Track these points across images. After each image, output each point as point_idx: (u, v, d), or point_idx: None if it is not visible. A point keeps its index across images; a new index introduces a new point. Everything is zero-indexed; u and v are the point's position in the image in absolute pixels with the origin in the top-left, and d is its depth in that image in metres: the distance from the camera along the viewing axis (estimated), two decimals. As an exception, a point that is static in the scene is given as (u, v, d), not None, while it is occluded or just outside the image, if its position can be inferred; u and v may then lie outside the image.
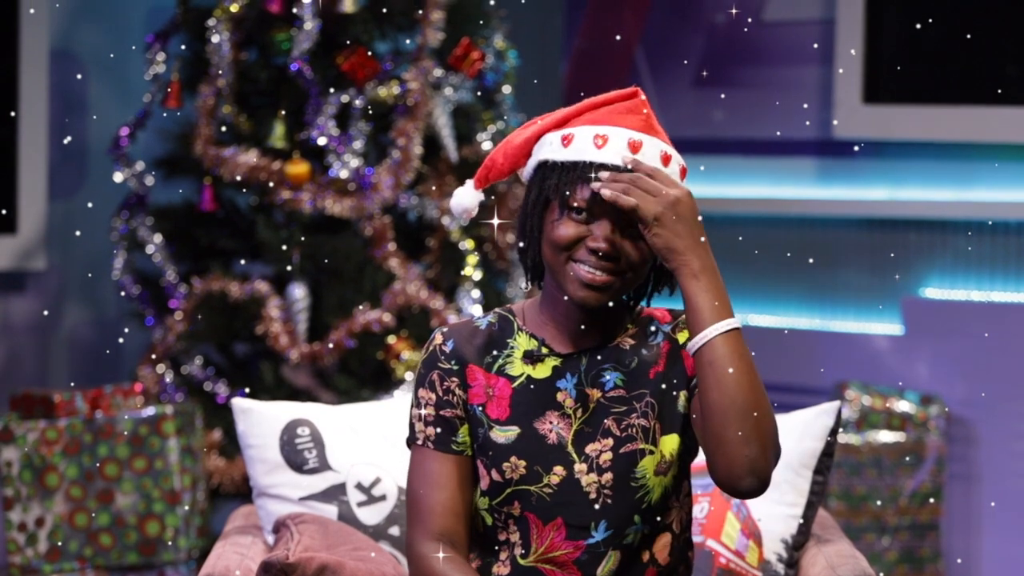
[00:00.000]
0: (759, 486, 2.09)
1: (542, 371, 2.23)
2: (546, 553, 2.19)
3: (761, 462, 2.08)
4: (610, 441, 2.19)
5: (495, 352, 2.25)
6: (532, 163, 2.21)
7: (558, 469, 2.19)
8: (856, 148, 5.04)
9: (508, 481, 2.19)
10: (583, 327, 2.22)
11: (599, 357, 2.22)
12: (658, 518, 2.21)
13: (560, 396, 2.22)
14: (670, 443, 2.20)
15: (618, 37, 5.46)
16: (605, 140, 2.14)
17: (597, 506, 2.18)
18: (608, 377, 2.21)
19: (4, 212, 4.62)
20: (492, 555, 2.24)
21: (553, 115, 2.22)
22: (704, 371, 2.09)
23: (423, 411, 2.24)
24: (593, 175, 2.12)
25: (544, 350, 2.23)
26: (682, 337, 2.23)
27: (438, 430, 2.23)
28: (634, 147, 2.13)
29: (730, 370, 2.07)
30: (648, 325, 2.26)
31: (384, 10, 4.23)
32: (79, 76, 4.89)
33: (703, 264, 2.10)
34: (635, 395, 2.21)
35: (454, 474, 2.22)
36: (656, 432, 2.19)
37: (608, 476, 2.17)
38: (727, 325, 2.09)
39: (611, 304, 2.19)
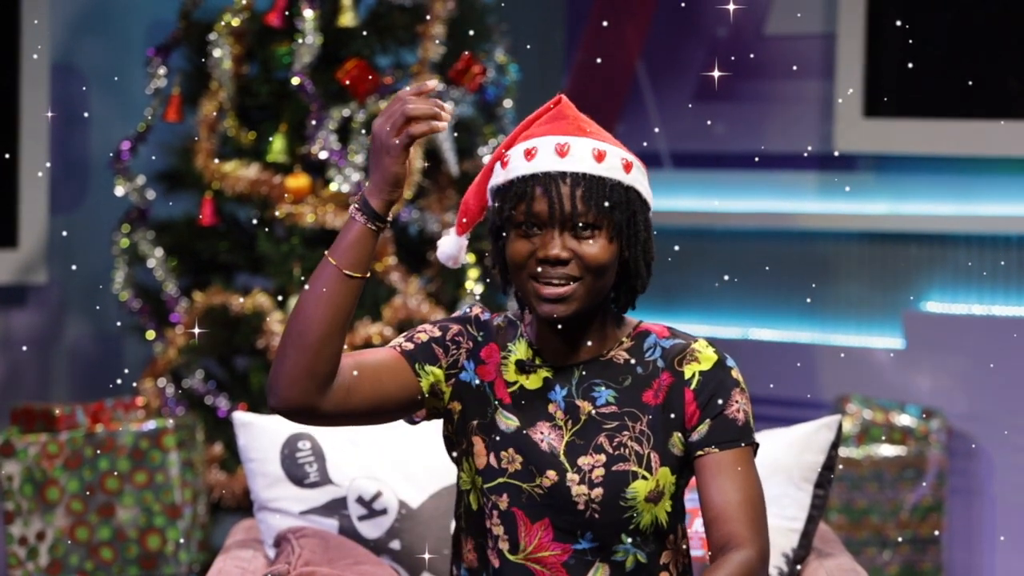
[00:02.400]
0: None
1: (534, 381, 2.23)
2: (535, 552, 2.19)
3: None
4: (602, 457, 2.18)
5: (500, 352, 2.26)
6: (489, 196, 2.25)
7: (551, 474, 2.19)
8: (849, 172, 5.04)
9: (503, 471, 2.20)
10: (572, 340, 2.22)
11: (592, 371, 2.22)
12: (651, 548, 2.20)
13: (551, 408, 2.22)
14: (665, 475, 2.20)
15: (620, 51, 5.47)
16: (534, 152, 2.16)
17: (584, 517, 2.17)
18: (600, 392, 2.21)
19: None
20: (483, 538, 2.23)
21: (499, 146, 2.25)
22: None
23: (417, 334, 2.24)
24: (527, 189, 2.14)
25: (537, 360, 2.24)
26: (689, 371, 2.21)
27: (416, 346, 2.22)
28: (561, 151, 2.15)
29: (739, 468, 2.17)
30: (644, 339, 2.25)
31: (385, 24, 4.23)
32: (80, 90, 4.89)
33: None
34: (627, 412, 2.20)
35: (389, 365, 2.19)
36: (652, 462, 2.18)
37: (599, 491, 2.17)
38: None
39: (587, 314, 2.18)
